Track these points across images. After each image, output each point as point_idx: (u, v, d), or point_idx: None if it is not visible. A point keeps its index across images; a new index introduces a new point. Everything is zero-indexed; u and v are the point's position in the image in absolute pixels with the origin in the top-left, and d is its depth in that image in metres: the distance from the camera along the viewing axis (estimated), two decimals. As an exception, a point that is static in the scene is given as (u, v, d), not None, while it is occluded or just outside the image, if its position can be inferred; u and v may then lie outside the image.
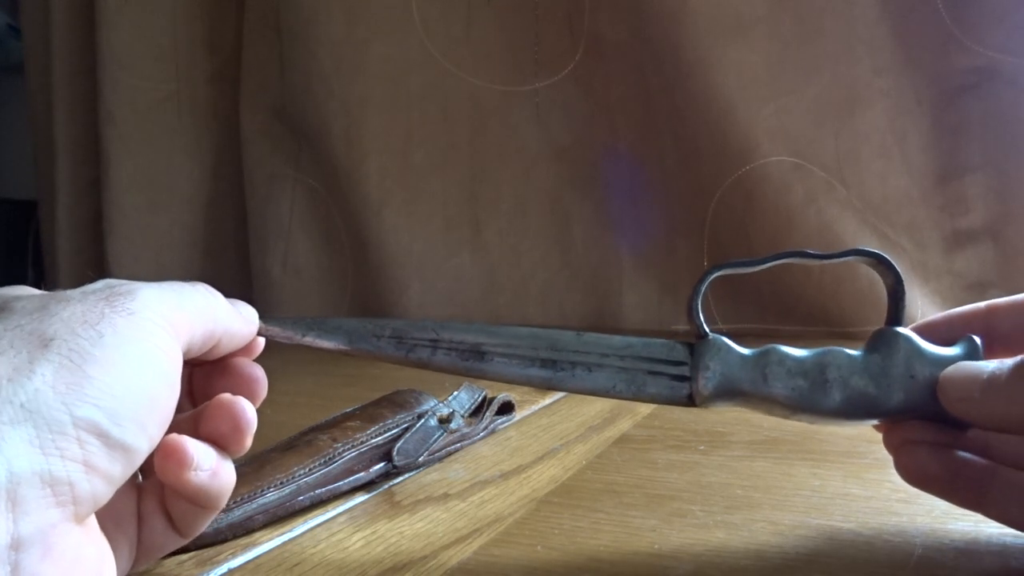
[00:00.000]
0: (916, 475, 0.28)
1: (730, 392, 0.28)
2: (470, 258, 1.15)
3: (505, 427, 0.51)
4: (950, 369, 0.27)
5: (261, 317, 0.31)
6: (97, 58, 1.24)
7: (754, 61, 0.95)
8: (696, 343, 0.29)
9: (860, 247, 0.31)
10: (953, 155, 0.94)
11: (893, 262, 0.30)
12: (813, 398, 0.28)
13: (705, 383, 0.28)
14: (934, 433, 0.28)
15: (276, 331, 0.30)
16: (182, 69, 1.29)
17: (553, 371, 0.29)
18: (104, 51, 1.24)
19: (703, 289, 0.30)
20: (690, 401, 0.29)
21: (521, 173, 1.15)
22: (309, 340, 0.30)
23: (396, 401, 0.45)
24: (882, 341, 0.28)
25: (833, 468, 0.40)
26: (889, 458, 0.41)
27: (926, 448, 0.28)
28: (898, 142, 0.94)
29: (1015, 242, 0.92)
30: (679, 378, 0.29)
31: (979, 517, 0.32)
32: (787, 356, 0.28)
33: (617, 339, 0.29)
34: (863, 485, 0.37)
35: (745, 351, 0.29)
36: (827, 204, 0.94)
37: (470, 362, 0.29)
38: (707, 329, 0.29)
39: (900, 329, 0.29)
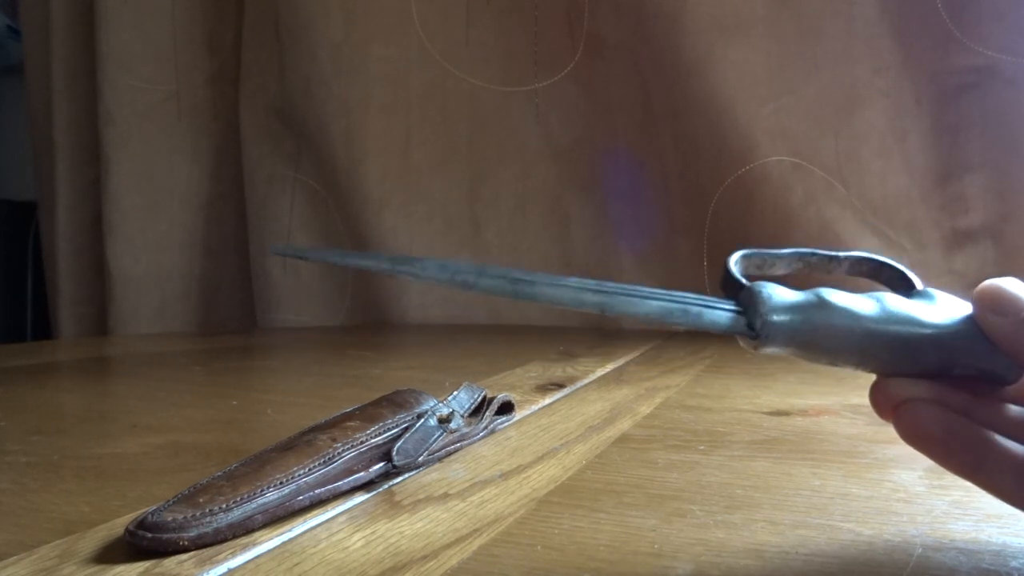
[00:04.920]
0: (914, 433, 0.28)
1: (788, 325, 0.27)
2: (470, 258, 1.15)
3: (505, 427, 0.50)
4: (998, 281, 0.27)
5: (301, 248, 0.31)
6: (97, 59, 1.24)
7: (754, 61, 0.95)
8: (741, 293, 0.28)
9: (864, 255, 0.31)
10: (953, 155, 0.94)
11: (901, 266, 0.30)
12: (875, 328, 0.27)
13: (765, 308, 0.27)
14: (936, 393, 0.28)
15: (317, 256, 0.30)
16: (182, 70, 1.30)
17: (606, 296, 0.28)
18: (104, 52, 1.24)
19: (735, 257, 0.30)
20: (750, 330, 0.27)
21: (521, 173, 1.15)
22: (351, 261, 0.30)
23: (396, 401, 0.44)
24: (917, 293, 0.28)
25: (833, 468, 0.40)
26: (889, 458, 0.42)
27: (926, 406, 0.27)
28: (898, 142, 0.94)
29: (1015, 242, 0.92)
30: (736, 312, 0.28)
31: (979, 516, 0.32)
32: (839, 291, 0.28)
33: (665, 291, 0.29)
34: (863, 485, 0.37)
35: (795, 291, 0.28)
36: (827, 204, 0.94)
37: (518, 286, 0.28)
38: (745, 281, 0.29)
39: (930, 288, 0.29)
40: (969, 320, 0.27)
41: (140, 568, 0.28)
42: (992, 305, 0.27)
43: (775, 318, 0.27)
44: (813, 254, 0.31)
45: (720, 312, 0.28)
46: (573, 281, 0.28)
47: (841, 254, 0.31)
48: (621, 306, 0.28)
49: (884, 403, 0.29)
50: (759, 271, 0.31)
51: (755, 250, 0.31)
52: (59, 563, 0.29)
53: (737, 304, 0.28)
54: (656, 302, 0.28)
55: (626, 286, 0.29)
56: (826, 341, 0.27)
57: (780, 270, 0.31)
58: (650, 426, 0.51)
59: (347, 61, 1.15)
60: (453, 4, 1.14)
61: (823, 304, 0.27)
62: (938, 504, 0.34)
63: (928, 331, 0.27)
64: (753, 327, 0.27)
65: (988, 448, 0.27)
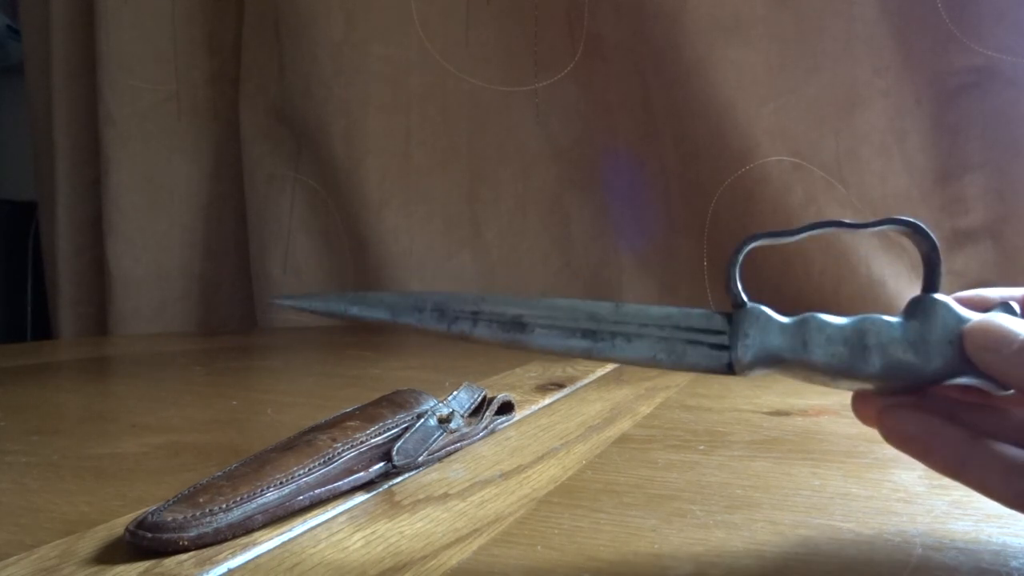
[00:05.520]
0: (898, 435, 0.28)
1: (769, 359, 0.28)
2: (470, 258, 1.15)
3: (505, 427, 0.50)
4: (984, 319, 0.27)
5: (303, 295, 0.31)
6: (97, 59, 1.24)
7: (754, 61, 0.95)
8: (734, 312, 0.29)
9: (894, 216, 0.31)
10: (953, 155, 0.94)
11: (928, 230, 0.30)
12: (853, 364, 0.28)
13: (744, 351, 0.28)
14: (918, 397, 0.28)
15: (319, 306, 0.31)
16: (182, 70, 1.30)
17: (593, 341, 0.29)
18: (104, 52, 1.24)
19: (740, 259, 0.30)
20: (729, 369, 0.29)
21: (521, 173, 1.15)
22: (354, 312, 0.30)
23: (396, 401, 0.44)
24: (920, 308, 0.28)
25: (833, 468, 0.40)
26: (889, 458, 0.42)
27: (908, 409, 0.28)
28: (898, 142, 0.94)
29: (1015, 242, 0.92)
30: (718, 347, 0.29)
31: (979, 516, 0.32)
32: (826, 323, 0.28)
33: (655, 309, 0.30)
34: (863, 485, 0.37)
35: (784, 319, 0.29)
36: (827, 204, 0.94)
37: (511, 333, 0.29)
38: (745, 298, 0.29)
39: (938, 296, 0.29)
40: (958, 344, 0.27)
41: (140, 568, 0.28)
42: (984, 344, 0.27)
43: (755, 357, 0.28)
44: (839, 223, 0.31)
45: (703, 349, 0.29)
46: (565, 312, 0.29)
47: (869, 220, 0.31)
48: (607, 351, 0.29)
49: (866, 411, 0.29)
50: (775, 240, 0.31)
51: (768, 238, 0.31)
52: (59, 563, 0.29)
53: (728, 322, 0.29)
54: (642, 342, 0.29)
55: (621, 312, 0.30)
56: (808, 374, 0.29)
57: (800, 236, 0.31)
58: (650, 426, 0.51)
59: (347, 61, 1.15)
60: (453, 4, 1.14)
61: (806, 338, 0.28)
62: (938, 504, 0.34)
63: (912, 361, 0.27)
64: (732, 368, 0.29)
65: (972, 447, 0.27)
